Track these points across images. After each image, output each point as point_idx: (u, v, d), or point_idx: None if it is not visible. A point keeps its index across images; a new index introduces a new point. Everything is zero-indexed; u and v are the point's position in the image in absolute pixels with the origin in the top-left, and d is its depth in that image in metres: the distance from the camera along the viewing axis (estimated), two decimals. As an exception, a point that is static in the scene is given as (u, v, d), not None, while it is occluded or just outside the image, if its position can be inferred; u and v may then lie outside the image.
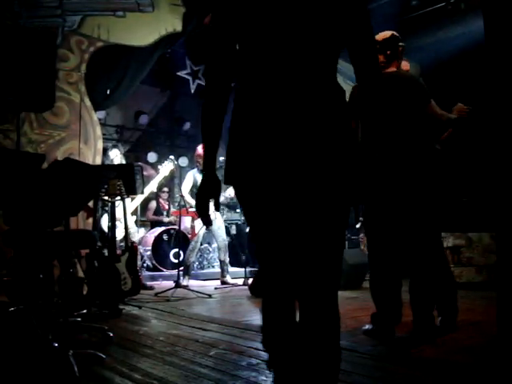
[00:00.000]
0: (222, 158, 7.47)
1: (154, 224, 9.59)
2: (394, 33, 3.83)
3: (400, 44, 3.79)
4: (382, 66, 3.80)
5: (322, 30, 1.75)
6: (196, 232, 7.09)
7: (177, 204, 9.09)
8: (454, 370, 2.81)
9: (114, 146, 6.93)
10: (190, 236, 7.40)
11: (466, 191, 3.68)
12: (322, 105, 1.72)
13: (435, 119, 3.62)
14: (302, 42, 1.73)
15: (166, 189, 10.05)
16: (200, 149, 7.32)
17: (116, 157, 6.73)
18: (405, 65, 4.00)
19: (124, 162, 6.95)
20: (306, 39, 1.74)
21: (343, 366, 2.84)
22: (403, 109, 3.65)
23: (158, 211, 9.85)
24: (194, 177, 7.32)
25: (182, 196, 6.98)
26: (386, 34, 3.81)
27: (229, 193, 7.48)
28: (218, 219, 7.39)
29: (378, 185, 3.72)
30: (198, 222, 7.09)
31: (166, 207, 9.96)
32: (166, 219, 9.58)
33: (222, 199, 7.49)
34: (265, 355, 3.07)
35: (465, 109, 3.59)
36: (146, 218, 9.68)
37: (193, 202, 7.11)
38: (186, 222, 7.80)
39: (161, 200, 9.96)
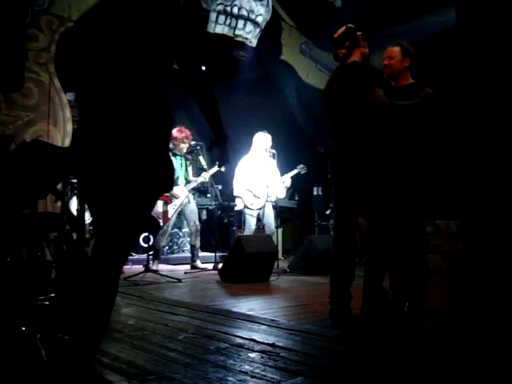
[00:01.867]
0: (193, 143, 7.45)
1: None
2: (349, 25, 3.97)
3: (358, 33, 3.91)
4: (343, 59, 3.91)
5: (149, 56, 2.11)
6: (169, 217, 7.06)
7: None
8: (424, 354, 2.86)
9: None
10: (160, 220, 7.36)
11: (434, 179, 3.72)
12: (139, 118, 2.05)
13: (378, 107, 3.70)
14: (131, 65, 2.09)
15: None
16: (175, 132, 7.24)
17: None
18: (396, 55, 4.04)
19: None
20: (135, 63, 2.09)
21: (311, 350, 2.88)
22: (347, 97, 3.78)
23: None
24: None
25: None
26: (340, 29, 3.97)
27: (204, 176, 7.38)
28: (191, 203, 7.36)
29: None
30: (172, 207, 7.07)
31: None
32: None
33: (195, 184, 7.44)
34: (234, 339, 3.09)
35: (429, 92, 3.66)
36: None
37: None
38: (158, 206, 7.78)
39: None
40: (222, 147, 2.43)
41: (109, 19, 2.17)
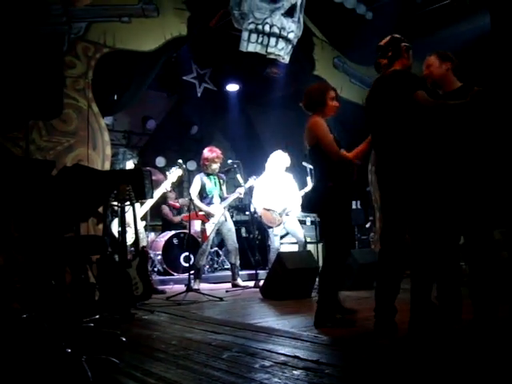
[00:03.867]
0: (229, 161, 7.51)
1: (165, 228, 9.62)
2: (394, 35, 3.91)
3: (402, 44, 3.82)
4: (384, 70, 3.85)
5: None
6: (207, 235, 7.09)
7: (186, 208, 9.09)
8: (475, 370, 2.80)
9: (129, 158, 6.91)
10: (200, 239, 7.41)
11: (476, 188, 3.65)
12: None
13: (423, 108, 3.60)
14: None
15: (170, 189, 9.98)
16: (206, 152, 7.33)
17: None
18: (433, 62, 4.00)
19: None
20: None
21: (356, 366, 2.84)
22: (388, 106, 3.69)
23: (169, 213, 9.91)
24: (201, 180, 7.32)
25: (190, 200, 7.00)
26: (386, 38, 3.91)
27: (239, 192, 7.42)
28: (228, 222, 7.38)
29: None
30: (209, 225, 7.10)
31: (177, 205, 9.95)
32: (176, 218, 9.67)
33: (230, 200, 7.48)
34: (278, 357, 3.07)
35: (476, 90, 3.58)
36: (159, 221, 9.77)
37: (202, 205, 7.13)
38: (196, 225, 7.82)
39: (170, 202, 9.98)
40: None
41: None
